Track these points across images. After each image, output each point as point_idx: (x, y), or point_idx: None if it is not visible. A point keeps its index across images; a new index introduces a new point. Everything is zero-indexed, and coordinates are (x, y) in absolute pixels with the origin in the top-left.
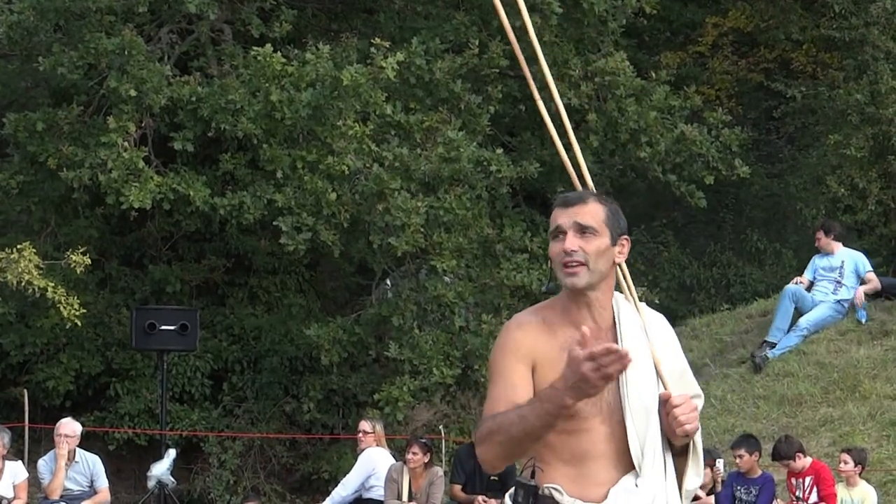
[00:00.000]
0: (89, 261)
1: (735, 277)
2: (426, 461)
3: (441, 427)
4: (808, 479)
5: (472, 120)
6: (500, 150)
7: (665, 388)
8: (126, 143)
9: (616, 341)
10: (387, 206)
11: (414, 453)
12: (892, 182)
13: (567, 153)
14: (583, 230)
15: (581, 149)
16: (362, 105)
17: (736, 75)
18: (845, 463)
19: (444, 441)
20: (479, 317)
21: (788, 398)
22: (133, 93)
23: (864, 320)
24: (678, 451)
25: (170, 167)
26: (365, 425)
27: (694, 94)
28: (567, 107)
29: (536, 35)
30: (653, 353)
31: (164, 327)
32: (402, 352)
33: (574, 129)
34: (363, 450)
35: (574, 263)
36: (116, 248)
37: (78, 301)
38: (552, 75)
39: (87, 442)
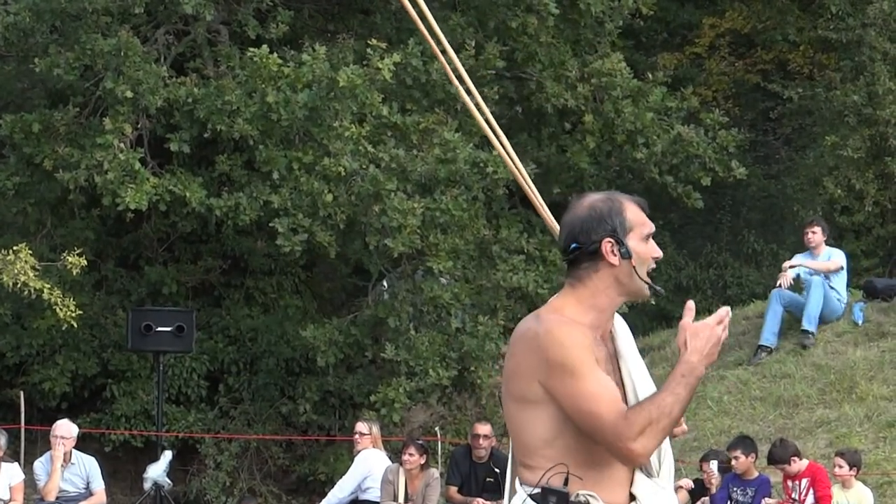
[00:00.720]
0: (85, 262)
1: (732, 279)
2: (422, 462)
3: (437, 429)
4: (804, 482)
5: (469, 121)
6: (496, 152)
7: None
8: (122, 145)
9: (614, 341)
10: (383, 207)
11: (410, 454)
12: (889, 183)
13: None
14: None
15: (578, 150)
16: (359, 106)
17: (733, 76)
18: (839, 467)
19: (440, 443)
20: (475, 318)
21: (785, 400)
22: (129, 94)
23: (860, 322)
24: None
25: (166, 168)
26: (361, 427)
27: (691, 96)
28: (564, 108)
29: (533, 35)
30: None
31: (160, 329)
32: (399, 353)
33: (571, 130)
34: (359, 451)
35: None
36: (112, 250)
37: (74, 302)
38: (549, 76)
39: (83, 443)
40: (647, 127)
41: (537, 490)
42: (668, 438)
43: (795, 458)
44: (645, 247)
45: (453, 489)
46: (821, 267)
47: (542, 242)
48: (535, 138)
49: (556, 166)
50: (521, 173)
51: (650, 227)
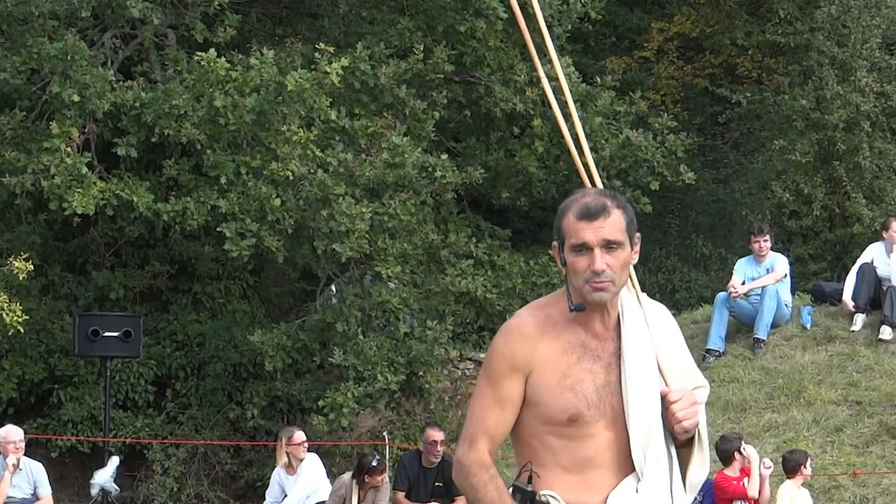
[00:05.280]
0: (32, 267)
1: (680, 283)
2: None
3: (385, 433)
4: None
5: (417, 125)
6: (444, 156)
7: (666, 385)
8: (69, 149)
9: (619, 340)
10: (331, 211)
11: (377, 475)
12: (837, 187)
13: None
14: (610, 246)
15: (526, 154)
16: (307, 110)
17: (681, 80)
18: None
19: (388, 447)
20: (423, 323)
21: (734, 404)
22: (76, 98)
23: (809, 326)
24: (682, 443)
25: (113, 173)
26: (302, 435)
27: (639, 100)
28: (512, 112)
29: (481, 39)
30: (657, 353)
31: (107, 334)
32: (347, 358)
33: (519, 135)
34: (301, 459)
35: (607, 284)
36: (59, 255)
37: (20, 307)
38: (498, 80)
39: (29, 449)
40: (595, 131)
41: (511, 487)
42: (663, 435)
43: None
44: (572, 258)
45: (401, 495)
46: (769, 281)
47: (491, 247)
48: (484, 142)
49: (505, 170)
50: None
51: (578, 239)
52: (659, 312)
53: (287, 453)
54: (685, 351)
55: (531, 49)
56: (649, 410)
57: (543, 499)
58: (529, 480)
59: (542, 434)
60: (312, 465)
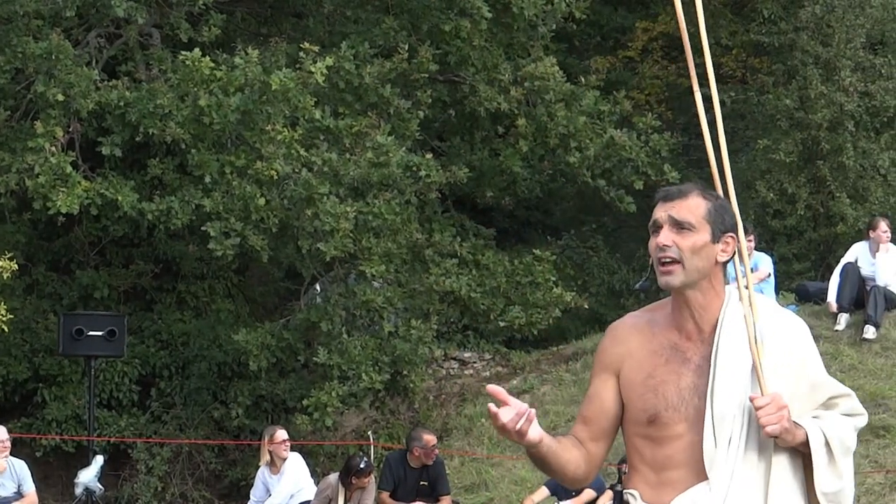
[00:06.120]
0: (16, 266)
1: None
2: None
3: (370, 433)
4: None
5: (402, 125)
6: (429, 155)
7: (762, 393)
8: (53, 148)
9: (717, 343)
10: (315, 211)
11: (365, 478)
12: (821, 187)
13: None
14: (679, 226)
15: (510, 154)
16: (291, 110)
17: (665, 80)
18: None
19: (372, 447)
20: (408, 322)
21: None
22: (61, 97)
23: None
24: (801, 451)
25: (97, 172)
26: (284, 433)
27: (623, 99)
28: (497, 111)
29: (466, 39)
30: (755, 357)
31: (91, 333)
32: (331, 357)
33: (504, 134)
34: (284, 458)
35: (668, 260)
36: (44, 254)
37: (5, 307)
38: (482, 80)
39: (14, 448)
40: (579, 131)
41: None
42: (756, 442)
43: None
44: (651, 239)
45: (385, 494)
46: (752, 280)
47: (476, 246)
48: (468, 142)
49: (489, 170)
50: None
51: (652, 219)
52: (785, 328)
53: (270, 452)
54: (816, 372)
55: (693, 77)
56: (734, 414)
57: (626, 497)
58: (619, 479)
59: (632, 434)
60: (295, 464)
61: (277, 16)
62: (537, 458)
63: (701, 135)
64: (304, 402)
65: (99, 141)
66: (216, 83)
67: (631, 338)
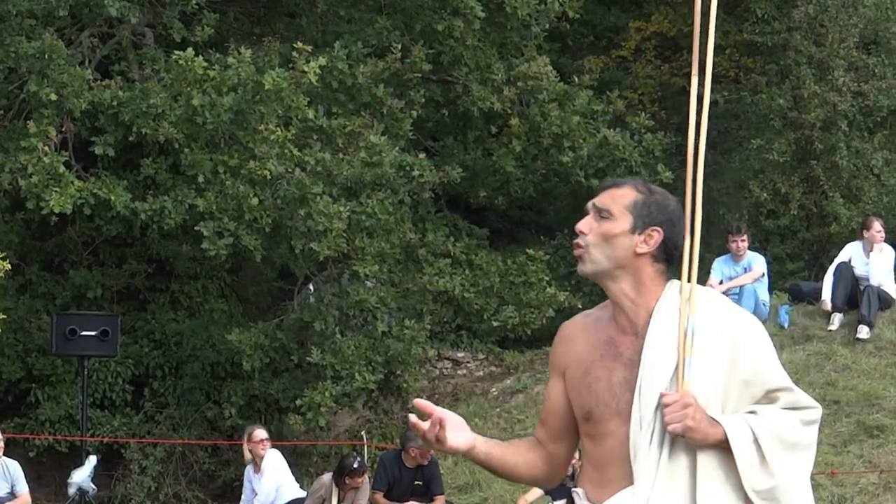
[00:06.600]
0: (9, 266)
1: None
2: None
3: (363, 433)
4: None
5: (395, 124)
6: (422, 155)
7: (678, 388)
8: (46, 148)
9: (646, 337)
10: (309, 210)
11: (359, 478)
12: (815, 187)
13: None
14: (599, 213)
15: (503, 153)
16: (284, 109)
17: (659, 80)
18: None
19: (366, 447)
20: (401, 322)
21: None
22: (54, 97)
23: (786, 325)
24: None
25: (91, 172)
26: (263, 433)
27: (617, 99)
28: (490, 111)
29: (459, 38)
30: (680, 352)
31: (84, 333)
32: (325, 357)
33: (497, 134)
34: (263, 456)
35: (577, 247)
36: (37, 254)
37: None
38: (475, 80)
39: (7, 448)
40: (573, 130)
41: None
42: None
43: None
44: None
45: (379, 495)
46: (746, 280)
47: (469, 246)
48: (461, 142)
49: (483, 170)
50: None
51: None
52: (721, 316)
53: (250, 451)
54: (752, 369)
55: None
56: (654, 411)
57: (573, 495)
58: (572, 477)
59: (581, 432)
60: (273, 460)
61: (270, 15)
62: (477, 463)
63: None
64: (298, 402)
65: (92, 140)
66: (209, 83)
67: (577, 337)
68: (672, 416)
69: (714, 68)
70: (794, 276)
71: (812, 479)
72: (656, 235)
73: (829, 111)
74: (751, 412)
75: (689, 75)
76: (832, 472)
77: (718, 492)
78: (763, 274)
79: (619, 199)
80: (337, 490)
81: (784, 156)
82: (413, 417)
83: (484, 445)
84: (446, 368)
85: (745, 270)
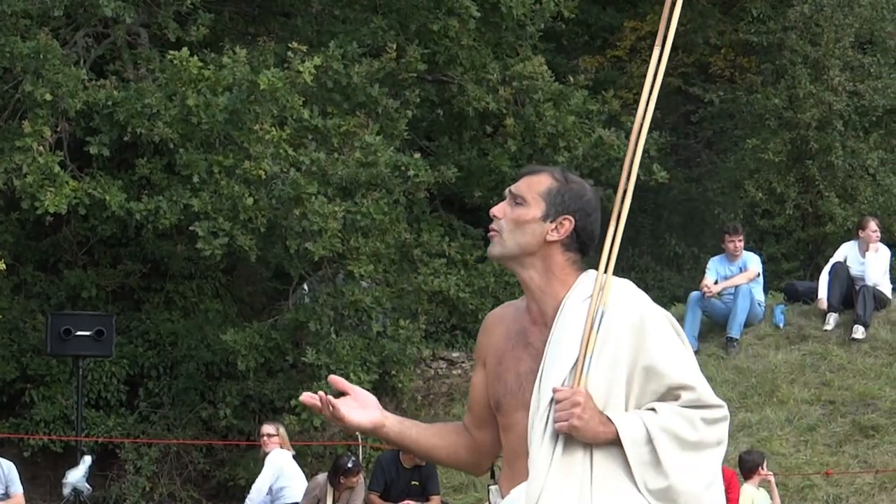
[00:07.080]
0: (4, 266)
1: (653, 282)
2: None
3: (358, 433)
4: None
5: (390, 124)
6: (417, 155)
7: (577, 383)
8: (41, 148)
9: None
10: (304, 210)
11: (353, 477)
12: (810, 186)
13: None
14: (514, 199)
15: (499, 153)
16: (279, 109)
17: None
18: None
19: (361, 447)
20: (396, 322)
21: None
22: (48, 97)
23: (782, 325)
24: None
25: (85, 172)
26: (268, 428)
27: (612, 99)
28: (485, 111)
29: (454, 38)
30: (582, 344)
31: (79, 333)
32: (320, 357)
33: (492, 134)
34: (267, 453)
35: (491, 230)
36: (32, 254)
37: None
38: (470, 79)
39: (1, 449)
40: (568, 130)
41: None
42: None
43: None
44: None
45: (374, 496)
46: (742, 280)
47: (464, 246)
48: (457, 141)
49: (478, 169)
50: None
51: None
52: (626, 308)
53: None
54: (652, 354)
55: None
56: (548, 404)
57: (490, 491)
58: (492, 474)
59: (499, 425)
60: (273, 461)
61: (265, 15)
62: (390, 443)
63: (689, 134)
64: (293, 402)
65: (87, 140)
66: (204, 83)
67: (496, 326)
68: (560, 414)
69: (709, 68)
70: (789, 276)
71: (807, 479)
72: (567, 224)
73: (825, 111)
74: (651, 409)
75: (684, 75)
76: (827, 473)
77: (614, 486)
78: (758, 274)
79: (535, 185)
80: (332, 490)
81: (779, 155)
82: (306, 395)
83: (397, 426)
84: (441, 368)
85: (741, 270)
